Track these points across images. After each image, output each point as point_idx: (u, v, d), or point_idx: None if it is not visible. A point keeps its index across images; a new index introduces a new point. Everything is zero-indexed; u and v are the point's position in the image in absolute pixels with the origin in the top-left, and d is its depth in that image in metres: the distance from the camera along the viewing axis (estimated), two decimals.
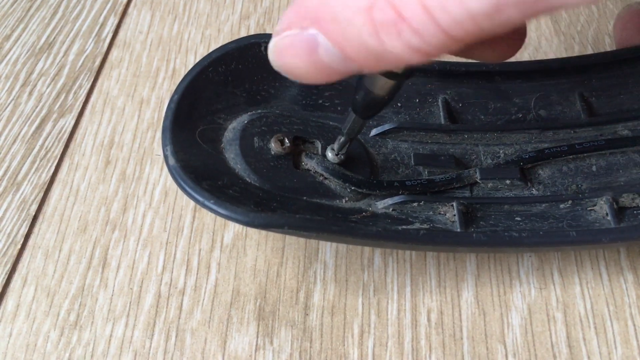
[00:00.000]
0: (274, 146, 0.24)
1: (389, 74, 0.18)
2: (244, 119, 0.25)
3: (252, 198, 0.22)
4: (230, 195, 0.21)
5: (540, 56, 0.32)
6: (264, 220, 0.20)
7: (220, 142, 0.24)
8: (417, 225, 0.22)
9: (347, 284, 0.25)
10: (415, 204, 0.23)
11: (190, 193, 0.21)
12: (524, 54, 0.32)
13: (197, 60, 0.24)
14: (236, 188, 0.22)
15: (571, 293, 0.24)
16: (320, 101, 0.26)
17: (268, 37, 0.25)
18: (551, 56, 0.32)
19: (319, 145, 0.25)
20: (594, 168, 0.25)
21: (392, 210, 0.23)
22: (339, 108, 0.26)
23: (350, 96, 0.26)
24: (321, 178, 0.24)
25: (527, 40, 0.33)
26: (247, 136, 0.24)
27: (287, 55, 0.17)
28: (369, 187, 0.24)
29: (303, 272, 0.25)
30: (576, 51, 0.32)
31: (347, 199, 0.24)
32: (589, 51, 0.33)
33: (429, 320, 0.24)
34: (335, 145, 0.24)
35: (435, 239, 0.22)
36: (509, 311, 0.24)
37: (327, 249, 0.26)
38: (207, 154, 0.23)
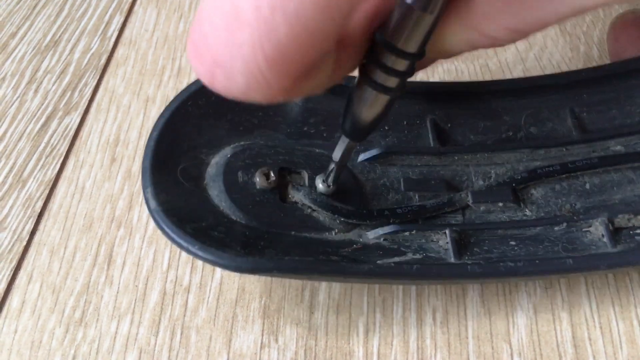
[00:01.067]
0: (259, 180, 0.23)
1: (382, 88, 0.18)
2: (227, 152, 0.24)
3: (238, 238, 0.21)
4: (215, 238, 0.21)
5: (546, 56, 0.32)
6: (252, 265, 0.20)
7: (204, 178, 0.23)
8: (409, 256, 0.22)
9: (352, 282, 0.25)
10: (407, 233, 0.23)
11: (174, 239, 0.20)
12: (530, 54, 0.32)
13: None
14: (221, 228, 0.21)
15: (577, 293, 0.24)
16: (305, 128, 0.25)
17: None
18: (556, 56, 0.32)
19: (305, 175, 0.24)
20: (587, 186, 0.24)
21: (384, 240, 0.23)
22: (324, 135, 0.25)
23: (336, 122, 0.25)
24: (309, 210, 0.23)
25: (533, 40, 0.33)
26: (231, 171, 0.23)
27: None
28: (359, 218, 0.23)
29: None
30: (582, 51, 0.32)
31: (336, 230, 0.23)
32: (594, 51, 0.33)
33: (434, 319, 0.24)
34: (326, 175, 0.23)
35: (429, 273, 0.21)
36: (514, 310, 0.24)
37: None
38: (190, 193, 0.22)
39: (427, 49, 0.17)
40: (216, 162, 0.23)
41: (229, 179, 0.23)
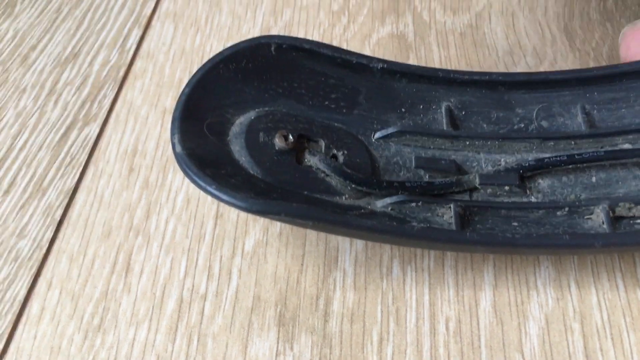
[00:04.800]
0: (278, 141, 0.24)
1: None
2: (251, 114, 0.25)
3: (253, 188, 0.22)
4: (232, 184, 0.22)
5: None
6: (262, 206, 0.21)
7: (227, 135, 0.24)
8: (414, 224, 0.23)
9: (366, 291, 0.25)
10: (413, 204, 0.24)
11: (194, 179, 0.22)
12: (540, 69, 0.33)
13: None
14: (239, 178, 0.23)
15: (588, 304, 0.24)
16: (327, 102, 0.27)
17: (277, 37, 0.26)
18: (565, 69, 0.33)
19: (322, 144, 0.25)
20: (593, 179, 0.25)
21: (391, 209, 0.24)
22: (344, 110, 0.27)
23: (355, 99, 0.27)
24: (323, 175, 0.25)
25: (542, 55, 0.33)
26: (253, 131, 0.25)
27: None
28: (369, 186, 0.24)
29: (323, 280, 0.26)
30: (591, 66, 0.33)
31: (347, 196, 0.24)
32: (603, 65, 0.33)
33: (447, 328, 0.24)
34: None
35: (429, 235, 0.22)
36: (526, 321, 0.24)
37: (347, 256, 0.26)
38: (213, 145, 0.24)
39: None
40: (240, 122, 0.25)
41: (250, 137, 0.24)
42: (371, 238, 0.24)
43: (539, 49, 0.34)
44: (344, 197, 0.24)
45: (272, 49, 0.26)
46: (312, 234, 0.27)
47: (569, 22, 0.35)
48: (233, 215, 0.28)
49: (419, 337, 0.24)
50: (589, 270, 0.25)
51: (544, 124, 0.27)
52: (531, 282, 0.25)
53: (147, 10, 0.38)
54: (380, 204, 0.24)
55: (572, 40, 0.34)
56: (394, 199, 0.24)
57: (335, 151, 0.25)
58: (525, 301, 0.24)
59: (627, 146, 0.25)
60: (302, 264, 0.26)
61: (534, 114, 0.27)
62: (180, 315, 0.25)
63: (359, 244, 0.26)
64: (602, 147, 0.26)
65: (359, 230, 0.22)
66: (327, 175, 0.24)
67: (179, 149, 0.22)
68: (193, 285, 0.26)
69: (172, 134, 0.23)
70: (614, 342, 0.23)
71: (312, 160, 0.25)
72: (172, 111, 0.24)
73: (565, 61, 0.33)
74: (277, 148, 0.24)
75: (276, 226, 0.27)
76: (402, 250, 0.26)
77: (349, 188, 0.24)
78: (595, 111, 0.27)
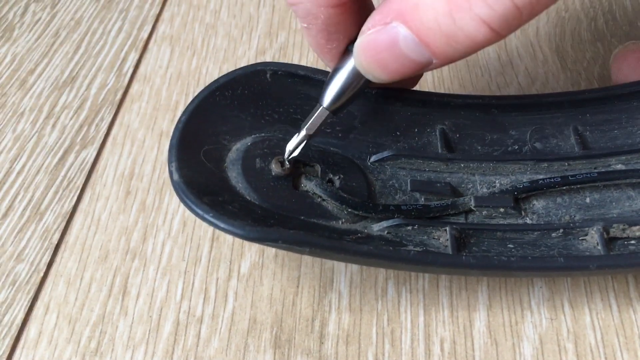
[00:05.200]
0: (274, 167, 0.25)
1: None
2: (247, 141, 0.26)
3: (250, 215, 0.23)
4: (229, 211, 0.22)
5: (548, 91, 0.33)
6: (259, 234, 0.21)
7: (224, 161, 0.25)
8: (410, 248, 0.23)
9: (362, 313, 0.25)
10: (409, 228, 0.24)
11: (192, 207, 0.22)
12: (532, 89, 0.33)
13: None
14: (236, 204, 0.23)
15: (582, 324, 0.24)
16: (322, 127, 0.27)
17: (273, 64, 0.26)
18: (558, 91, 0.33)
19: (318, 168, 0.26)
20: (587, 200, 0.25)
21: (387, 233, 0.24)
22: (339, 135, 0.27)
23: (351, 125, 0.27)
24: (319, 200, 0.25)
25: (534, 75, 0.34)
26: (250, 157, 0.25)
27: (370, 50, 0.20)
28: (365, 210, 0.24)
29: (318, 301, 0.26)
30: (582, 87, 0.33)
31: (343, 220, 0.24)
32: (595, 87, 0.33)
33: (442, 349, 0.24)
34: (290, 144, 0.24)
35: (425, 260, 0.22)
36: (520, 341, 0.24)
37: (342, 278, 0.26)
38: (210, 172, 0.24)
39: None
40: (237, 149, 0.25)
41: (247, 164, 0.25)
42: (368, 263, 0.24)
43: (530, 69, 0.34)
44: (340, 222, 0.24)
45: (268, 75, 0.26)
46: (307, 256, 0.27)
47: (561, 42, 0.35)
48: (229, 237, 0.28)
49: (414, 359, 0.24)
50: (583, 290, 0.25)
51: (538, 145, 0.27)
52: (525, 302, 0.25)
53: (144, 34, 0.38)
54: (377, 227, 0.24)
55: (564, 60, 0.34)
56: (390, 222, 0.24)
57: (332, 175, 0.25)
58: (520, 321, 0.25)
59: (620, 167, 0.26)
60: (297, 286, 0.26)
61: (528, 136, 0.27)
62: (177, 338, 0.25)
63: (354, 265, 0.27)
64: (595, 168, 0.26)
65: (355, 256, 0.22)
66: (324, 199, 0.25)
67: (176, 177, 0.22)
68: (189, 308, 0.26)
69: (170, 162, 0.23)
70: None
71: (308, 185, 0.25)
72: (169, 135, 0.24)
73: (557, 81, 0.34)
74: (273, 174, 0.25)
75: (272, 248, 0.28)
76: (397, 271, 0.26)
77: (345, 212, 0.24)
78: (588, 132, 0.27)
